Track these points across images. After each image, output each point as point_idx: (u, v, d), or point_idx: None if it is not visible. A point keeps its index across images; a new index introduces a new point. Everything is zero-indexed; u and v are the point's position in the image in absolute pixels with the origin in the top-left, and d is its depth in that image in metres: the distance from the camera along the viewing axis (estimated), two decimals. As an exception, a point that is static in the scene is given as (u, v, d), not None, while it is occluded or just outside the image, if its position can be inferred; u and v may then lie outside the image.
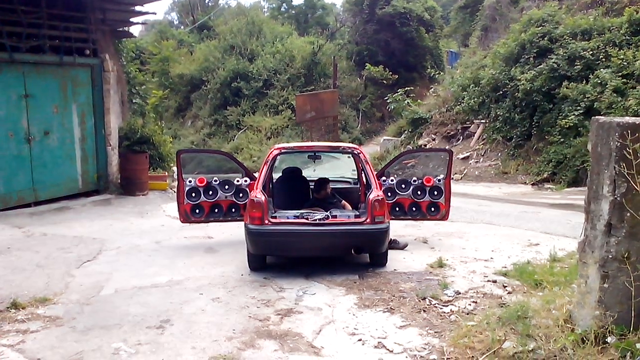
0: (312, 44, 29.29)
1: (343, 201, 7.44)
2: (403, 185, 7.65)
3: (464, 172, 16.37)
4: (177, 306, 5.39)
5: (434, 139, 18.84)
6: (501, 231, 8.73)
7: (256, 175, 7.44)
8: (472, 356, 4.07)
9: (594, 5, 17.44)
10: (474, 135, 17.61)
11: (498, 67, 17.03)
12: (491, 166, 16.11)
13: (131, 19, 13.28)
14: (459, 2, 30.71)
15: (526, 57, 16.10)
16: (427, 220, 8.06)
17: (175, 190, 8.37)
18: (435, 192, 7.63)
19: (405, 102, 21.21)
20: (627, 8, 15.19)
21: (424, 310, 5.23)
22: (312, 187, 7.74)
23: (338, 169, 10.75)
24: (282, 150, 7.33)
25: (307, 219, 6.40)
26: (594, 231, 3.80)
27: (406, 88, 22.47)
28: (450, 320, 4.98)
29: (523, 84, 15.27)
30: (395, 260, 6.86)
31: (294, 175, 7.95)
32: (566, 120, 13.94)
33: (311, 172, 8.89)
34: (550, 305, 4.41)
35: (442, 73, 25.75)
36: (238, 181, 7.56)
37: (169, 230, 8.77)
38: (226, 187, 7.51)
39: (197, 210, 7.49)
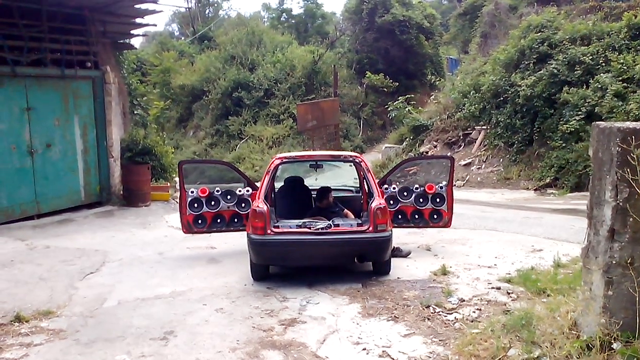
0: (313, 53, 29.37)
1: (345, 210, 7.43)
2: (405, 193, 7.64)
3: (466, 179, 16.35)
4: (180, 317, 5.38)
5: (435, 146, 18.84)
6: (504, 237, 8.71)
7: (258, 185, 7.44)
8: (477, 364, 4.05)
9: (593, 11, 17.48)
10: (475, 142, 17.59)
11: (498, 73, 17.05)
12: (493, 172, 16.09)
13: (132, 31, 13.37)
14: (458, 9, 30.82)
15: (526, 63, 16.13)
16: (430, 228, 8.03)
17: (178, 201, 8.38)
18: (438, 199, 7.63)
19: (406, 109, 21.24)
20: (625, 13, 15.23)
21: (428, 319, 5.21)
22: (314, 196, 7.74)
23: (340, 177, 10.76)
24: (284, 160, 7.34)
25: (309, 228, 6.39)
26: (597, 237, 3.79)
27: (407, 95, 22.50)
28: (454, 328, 4.96)
29: (523, 89, 15.28)
30: (399, 268, 6.84)
31: (296, 184, 7.95)
32: (567, 126, 13.93)
33: (313, 181, 8.89)
34: (555, 312, 4.39)
35: (442, 80, 25.79)
36: (240, 191, 7.56)
37: (171, 241, 8.77)
38: (228, 197, 7.52)
39: (200, 221, 7.49)
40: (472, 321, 5.05)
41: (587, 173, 12.14)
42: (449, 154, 15.55)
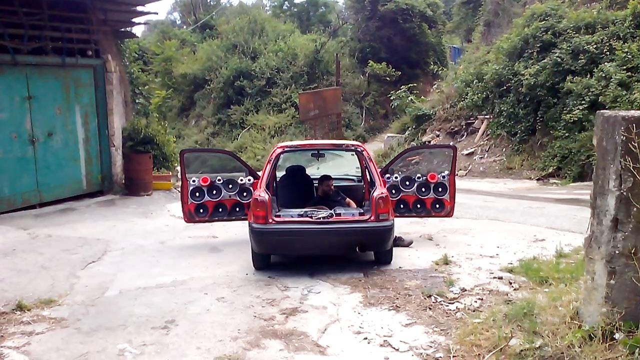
0: (315, 41, 29.21)
1: (347, 199, 7.42)
2: (407, 182, 7.62)
3: (469, 168, 16.32)
4: (181, 306, 5.38)
5: (438, 136, 18.79)
6: (506, 227, 8.68)
7: (260, 174, 7.42)
8: (479, 354, 4.04)
9: (598, -1, 17.33)
10: (478, 131, 17.54)
11: (501, 62, 16.95)
12: (496, 162, 16.05)
13: (133, 19, 13.29)
14: (461, -2, 30.61)
15: (530, 51, 16.01)
16: (432, 217, 8.02)
17: (179, 190, 8.37)
18: (440, 189, 7.60)
19: (409, 98, 21.16)
20: (631, 1, 15.05)
21: (430, 308, 5.21)
22: (316, 185, 7.72)
23: (342, 166, 10.75)
24: (286, 149, 7.31)
25: (311, 217, 6.38)
26: (600, 226, 3.76)
27: (409, 85, 22.41)
28: (456, 317, 4.96)
29: (527, 78, 15.19)
30: (400, 257, 6.83)
31: (298, 173, 7.93)
32: (571, 115, 13.87)
33: (315, 171, 8.86)
34: (557, 301, 4.37)
35: (445, 69, 25.65)
36: (242, 180, 7.54)
37: (173, 230, 8.77)
38: (230, 186, 7.50)
39: (201, 210, 7.48)
40: (473, 311, 5.05)
41: (590, 163, 12.12)
42: (451, 144, 15.49)
